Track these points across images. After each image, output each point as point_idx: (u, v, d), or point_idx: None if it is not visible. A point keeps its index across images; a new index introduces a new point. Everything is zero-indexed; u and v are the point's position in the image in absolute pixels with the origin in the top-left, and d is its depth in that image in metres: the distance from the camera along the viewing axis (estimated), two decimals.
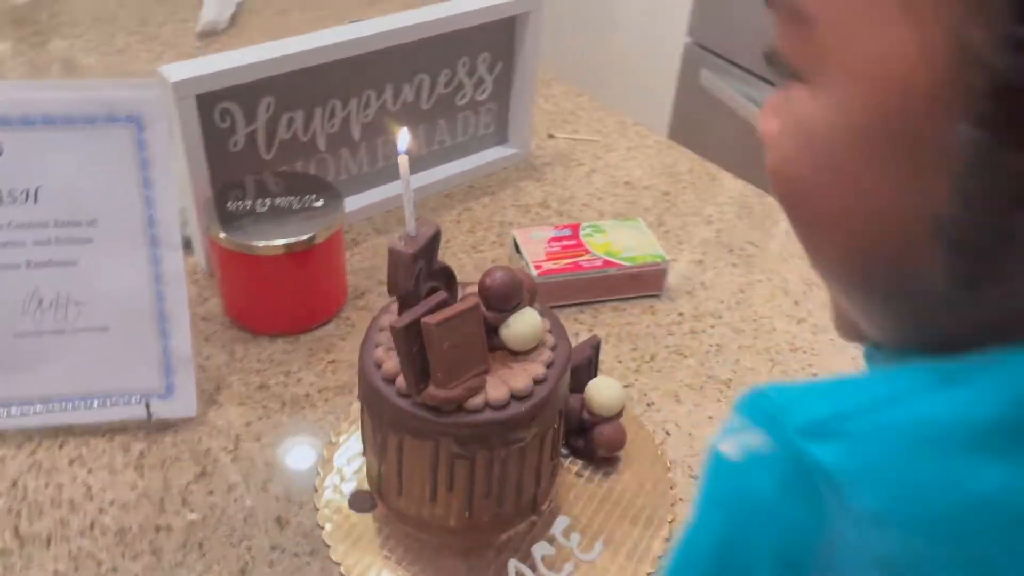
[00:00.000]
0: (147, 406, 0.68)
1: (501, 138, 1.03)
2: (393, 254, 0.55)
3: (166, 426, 0.68)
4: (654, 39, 2.15)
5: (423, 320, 0.54)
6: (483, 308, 0.58)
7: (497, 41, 0.96)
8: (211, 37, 1.28)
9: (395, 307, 0.62)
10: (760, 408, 0.28)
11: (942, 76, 0.23)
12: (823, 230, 0.30)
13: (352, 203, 0.91)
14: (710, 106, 1.84)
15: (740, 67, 1.74)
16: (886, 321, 0.31)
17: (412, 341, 0.54)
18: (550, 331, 0.60)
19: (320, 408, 0.72)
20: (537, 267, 0.80)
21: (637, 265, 0.82)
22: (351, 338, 0.78)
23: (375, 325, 0.62)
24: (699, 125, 1.91)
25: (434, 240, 0.57)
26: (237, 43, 1.25)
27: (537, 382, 0.57)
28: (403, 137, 0.54)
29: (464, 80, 0.95)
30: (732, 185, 1.02)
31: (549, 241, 0.84)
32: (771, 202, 1.00)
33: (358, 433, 0.69)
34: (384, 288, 0.84)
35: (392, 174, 0.95)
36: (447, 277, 0.59)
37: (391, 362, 0.57)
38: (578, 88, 1.21)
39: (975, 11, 0.22)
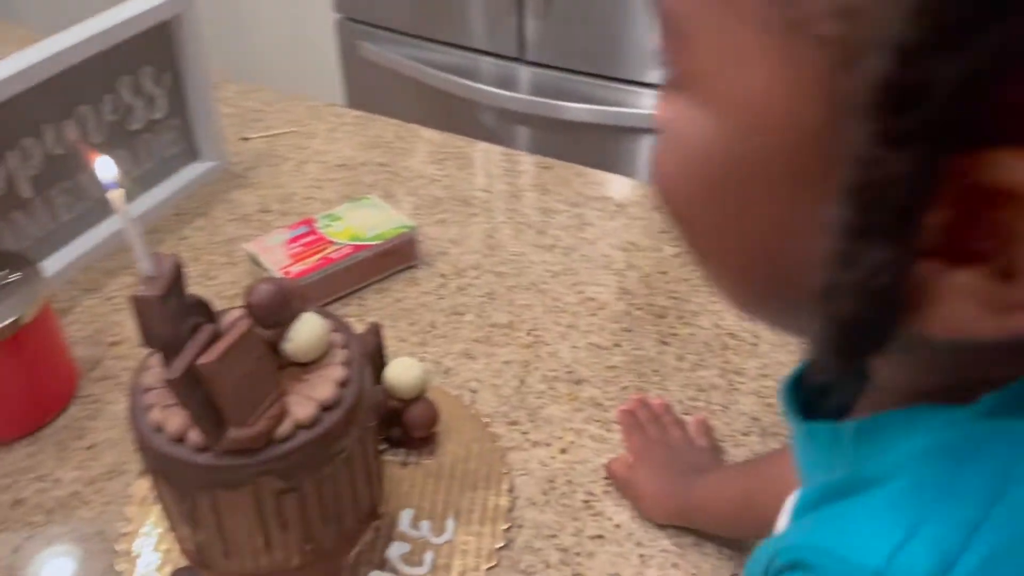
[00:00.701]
0: None
1: (192, 154, 0.95)
2: (139, 303, 0.48)
3: None
4: (303, 23, 2.09)
5: (199, 363, 0.48)
6: (258, 328, 0.52)
7: (156, 51, 0.87)
8: None
9: (154, 361, 0.55)
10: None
11: (814, 120, 0.21)
12: (705, 246, 0.28)
13: (45, 269, 0.79)
14: (379, 75, 1.83)
15: (397, 31, 1.75)
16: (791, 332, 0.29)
17: (194, 388, 0.48)
18: (335, 330, 0.56)
19: (95, 502, 0.62)
20: (287, 274, 0.75)
21: (387, 241, 0.79)
22: (102, 416, 0.69)
23: (137, 389, 0.54)
24: (375, 96, 1.90)
25: (177, 273, 0.51)
26: None
27: (342, 385, 0.53)
28: (104, 166, 0.47)
29: (132, 101, 0.86)
30: (439, 139, 1.02)
31: (288, 243, 0.78)
32: (484, 147, 1.02)
33: (152, 512, 0.61)
34: (120, 350, 0.74)
35: (81, 225, 0.84)
36: (204, 309, 0.53)
37: (175, 420, 0.51)
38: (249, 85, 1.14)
39: (847, 62, 0.20)
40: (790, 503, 0.33)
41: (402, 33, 1.76)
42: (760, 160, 0.23)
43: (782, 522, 0.34)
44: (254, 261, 0.78)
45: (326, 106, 1.09)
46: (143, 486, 0.62)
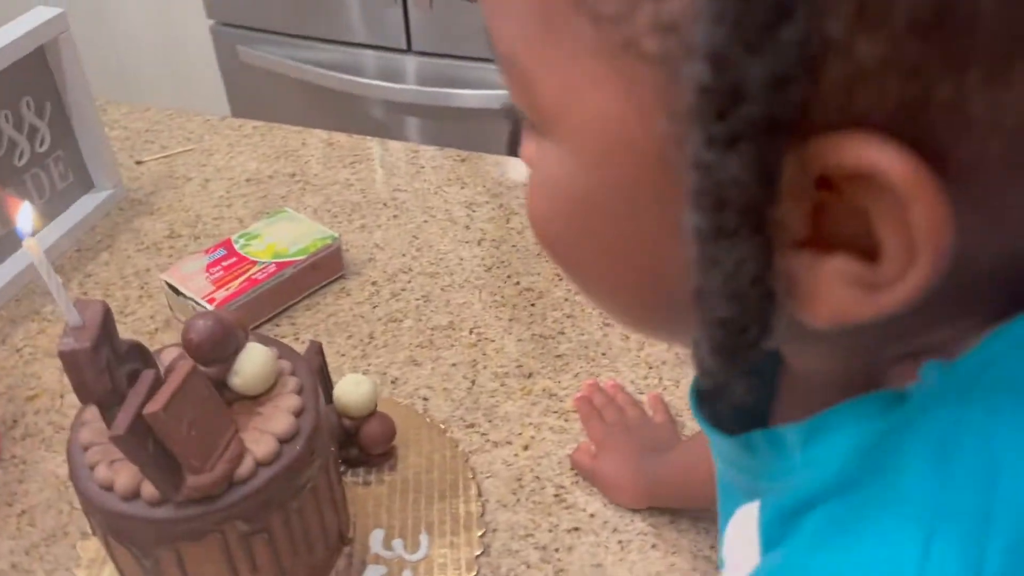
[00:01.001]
0: None
1: (85, 184, 0.89)
2: (68, 357, 0.45)
3: None
4: (176, 33, 2.00)
5: (146, 412, 0.45)
6: (201, 366, 0.50)
7: (33, 80, 0.81)
8: None
9: (89, 415, 0.51)
10: None
11: (659, 136, 0.22)
12: (586, 276, 0.29)
13: None
14: (262, 79, 1.77)
15: (275, 32, 1.70)
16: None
17: (142, 441, 0.45)
18: (281, 357, 0.54)
19: (38, 571, 0.58)
20: (210, 301, 0.71)
21: (311, 254, 0.76)
22: (31, 477, 0.64)
23: (76, 447, 0.50)
24: (260, 101, 1.84)
25: (107, 319, 0.47)
26: None
27: (298, 414, 0.51)
28: (24, 215, 0.43)
29: (15, 136, 0.79)
30: (347, 143, 0.99)
31: (207, 269, 0.74)
32: (394, 146, 1.00)
33: (105, 572, 0.57)
34: (38, 404, 0.69)
35: None
36: (142, 353, 0.50)
37: (124, 476, 0.47)
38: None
39: (673, 75, 0.21)
40: (746, 522, 0.32)
41: (280, 34, 1.71)
42: (620, 185, 0.24)
43: (739, 541, 0.33)
44: (173, 291, 0.74)
45: (222, 119, 1.04)
46: (91, 547, 0.58)
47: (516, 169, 0.94)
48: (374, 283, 0.79)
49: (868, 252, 0.21)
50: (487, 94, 1.47)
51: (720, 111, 0.19)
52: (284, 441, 0.50)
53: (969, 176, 0.20)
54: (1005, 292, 0.24)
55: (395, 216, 0.87)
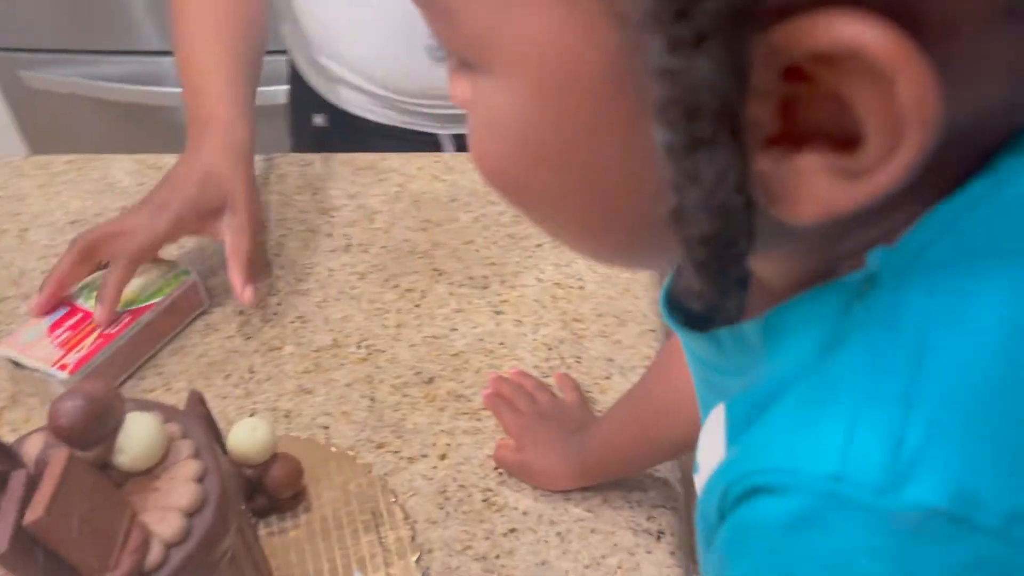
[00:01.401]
0: None
1: None
2: None
3: None
4: None
5: (27, 523, 0.39)
6: (78, 452, 0.44)
7: None
8: None
9: None
10: (811, 490, 0.23)
11: (610, 50, 0.21)
12: (553, 215, 0.27)
13: None
14: (54, 104, 1.63)
15: (60, 51, 1.56)
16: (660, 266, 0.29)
17: (30, 554, 0.39)
18: (167, 420, 0.49)
19: None
20: (63, 368, 0.64)
21: (167, 296, 0.69)
22: None
23: None
24: (56, 128, 1.70)
25: None
26: None
27: (201, 480, 0.46)
28: None
29: None
30: (170, 162, 0.91)
31: (50, 332, 0.66)
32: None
33: None
34: None
35: None
36: (2, 451, 0.43)
37: None
38: None
39: None
40: (715, 421, 0.32)
41: (66, 51, 1.57)
42: (573, 111, 0.23)
43: (710, 441, 0.33)
44: (15, 365, 0.65)
45: (25, 159, 0.93)
46: None
47: (388, 166, 0.89)
48: (242, 312, 0.73)
49: (845, 140, 0.20)
50: None
51: (680, 9, 0.18)
52: (191, 514, 0.45)
53: (947, 37, 0.19)
54: (958, 163, 0.23)
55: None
